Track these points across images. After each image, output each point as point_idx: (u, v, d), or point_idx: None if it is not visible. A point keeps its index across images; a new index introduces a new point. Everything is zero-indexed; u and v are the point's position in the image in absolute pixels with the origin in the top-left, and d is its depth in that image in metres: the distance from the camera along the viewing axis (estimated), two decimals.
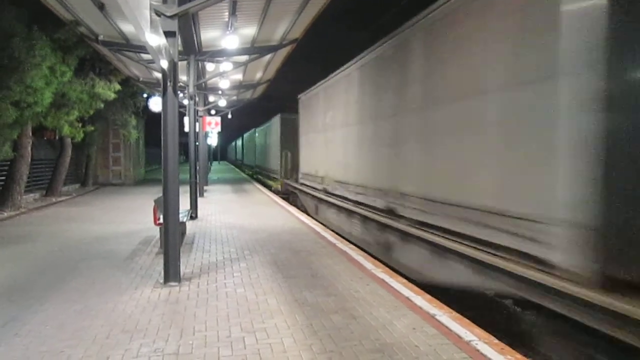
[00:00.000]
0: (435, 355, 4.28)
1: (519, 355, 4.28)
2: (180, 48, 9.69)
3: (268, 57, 16.58)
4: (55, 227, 11.86)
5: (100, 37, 13.08)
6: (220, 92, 23.41)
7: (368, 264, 7.80)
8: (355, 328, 4.94)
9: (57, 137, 20.44)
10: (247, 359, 4.22)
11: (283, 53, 16.14)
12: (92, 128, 19.74)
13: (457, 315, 5.36)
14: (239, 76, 20.73)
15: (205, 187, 21.30)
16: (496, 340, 4.63)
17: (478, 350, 4.36)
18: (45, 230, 11.48)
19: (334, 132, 13.23)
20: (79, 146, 21.77)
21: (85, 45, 14.30)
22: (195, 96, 14.98)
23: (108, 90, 16.85)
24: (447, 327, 4.95)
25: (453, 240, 6.69)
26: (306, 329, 4.91)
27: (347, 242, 9.67)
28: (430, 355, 4.29)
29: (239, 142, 68.04)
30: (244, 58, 15.78)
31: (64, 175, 19.97)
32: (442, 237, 6.99)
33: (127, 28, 12.01)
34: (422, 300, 5.84)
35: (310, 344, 4.54)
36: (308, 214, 15.03)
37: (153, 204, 8.67)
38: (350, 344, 4.54)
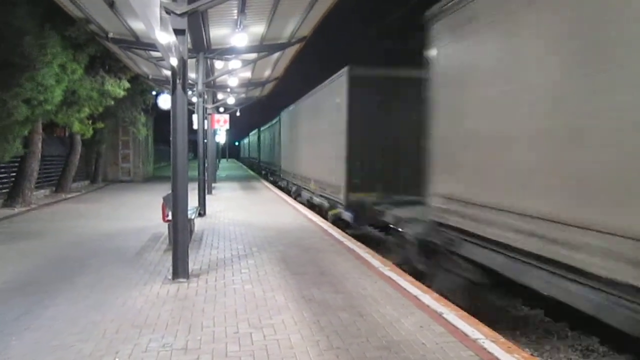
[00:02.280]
0: (442, 353, 4.29)
1: (525, 354, 4.29)
2: (189, 46, 9.76)
3: (277, 55, 16.60)
4: (65, 224, 11.96)
5: (110, 35, 13.15)
6: (228, 89, 23.46)
7: (376, 262, 7.81)
8: (362, 325, 4.96)
9: (67, 134, 20.60)
10: (255, 355, 4.25)
11: (292, 51, 16.15)
12: (102, 125, 19.88)
13: (464, 313, 5.37)
14: (247, 74, 20.78)
15: (213, 185, 21.37)
16: (503, 339, 4.63)
17: (485, 349, 4.37)
18: (55, 226, 11.59)
19: None
20: (88, 143, 21.92)
21: (95, 43, 14.39)
22: (204, 94, 15.06)
23: (117, 87, 16.96)
24: (454, 325, 4.96)
25: None
26: (313, 326, 4.94)
27: (355, 240, 9.67)
28: (437, 353, 4.30)
29: (254, 138, 49.14)
30: (253, 56, 15.81)
31: (74, 172, 20.15)
32: None
33: (137, 26, 12.07)
34: (429, 299, 5.85)
35: (318, 340, 4.57)
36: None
37: (161, 200, 8.73)
38: (357, 340, 4.56)
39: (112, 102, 17.73)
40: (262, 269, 7.31)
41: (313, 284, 6.49)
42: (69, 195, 18.73)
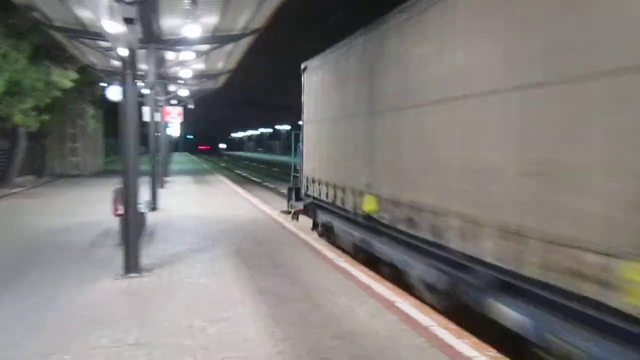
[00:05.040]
0: (395, 340, 4.39)
1: (474, 339, 4.44)
2: (139, 36, 9.52)
3: (230, 46, 16.39)
4: (9, 220, 11.50)
5: (56, 23, 12.66)
6: (181, 81, 23.03)
7: (330, 253, 7.88)
8: (317, 316, 5.01)
9: (10, 127, 19.72)
10: (209, 348, 4.23)
11: (245, 43, 16.00)
12: (47, 117, 19.13)
13: (417, 302, 5.51)
14: (200, 66, 20.44)
15: (166, 179, 20.97)
16: (454, 325, 4.78)
17: (436, 335, 4.50)
18: None
19: None
20: (34, 136, 21.06)
21: (40, 32, 13.83)
22: (155, 85, 14.71)
23: (64, 78, 16.35)
24: (406, 313, 5.08)
25: None
26: (269, 318, 4.95)
27: (309, 232, 9.72)
28: (390, 340, 4.39)
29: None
30: (206, 47, 15.57)
31: (18, 166, 19.33)
32: None
33: (84, 14, 11.66)
34: (382, 288, 5.96)
35: (273, 331, 4.58)
36: None
37: (111, 195, 8.51)
38: (313, 331, 4.60)
39: (59, 94, 17.10)
40: (216, 263, 7.25)
41: (268, 276, 6.50)
42: (13, 190, 17.94)
